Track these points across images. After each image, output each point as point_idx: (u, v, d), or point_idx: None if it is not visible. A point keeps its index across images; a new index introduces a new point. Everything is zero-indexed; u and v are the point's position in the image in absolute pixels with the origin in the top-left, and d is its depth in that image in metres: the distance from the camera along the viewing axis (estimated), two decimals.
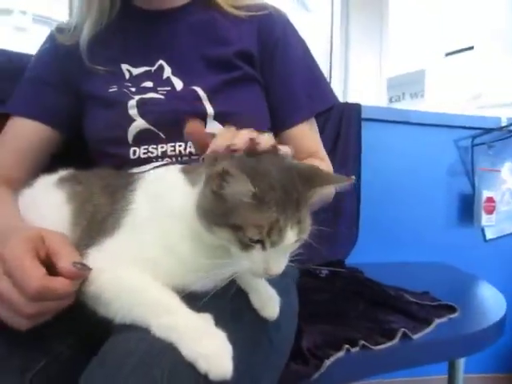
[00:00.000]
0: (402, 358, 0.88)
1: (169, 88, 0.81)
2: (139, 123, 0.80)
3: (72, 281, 0.49)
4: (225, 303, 0.54)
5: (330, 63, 2.59)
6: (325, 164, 0.93)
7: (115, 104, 0.80)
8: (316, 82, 0.93)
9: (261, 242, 0.46)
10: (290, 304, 0.76)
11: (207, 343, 0.44)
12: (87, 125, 0.85)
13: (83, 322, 0.53)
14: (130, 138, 0.80)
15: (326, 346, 0.84)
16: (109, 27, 0.86)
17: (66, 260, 0.49)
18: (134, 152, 0.80)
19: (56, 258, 0.50)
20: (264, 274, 0.48)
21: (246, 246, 0.46)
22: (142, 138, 0.80)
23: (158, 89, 0.81)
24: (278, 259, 0.48)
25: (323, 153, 0.95)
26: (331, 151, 1.44)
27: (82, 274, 0.49)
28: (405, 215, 1.64)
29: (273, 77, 0.88)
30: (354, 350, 0.84)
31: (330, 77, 2.55)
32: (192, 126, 0.56)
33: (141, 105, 0.80)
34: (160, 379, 0.41)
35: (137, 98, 0.80)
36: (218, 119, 0.81)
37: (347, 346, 0.83)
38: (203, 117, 0.80)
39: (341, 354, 0.82)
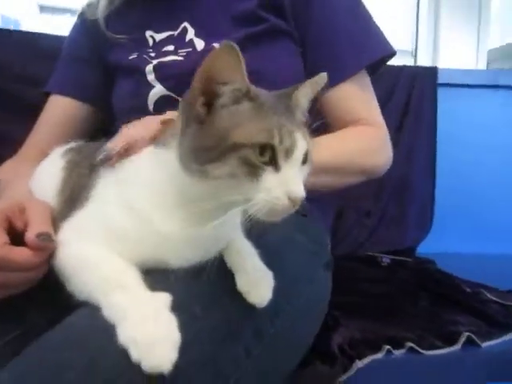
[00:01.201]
0: (462, 369, 0.69)
1: (190, 49, 0.75)
2: (158, 90, 0.75)
3: (35, 252, 0.44)
4: (202, 283, 0.45)
5: (417, 35, 2.30)
6: (376, 131, 0.78)
7: (134, 71, 0.77)
8: (363, 31, 0.78)
9: (272, 161, 0.39)
10: (313, 293, 0.63)
11: (148, 328, 0.36)
12: (113, 96, 0.83)
13: (62, 294, 0.49)
14: (151, 106, 0.76)
15: (362, 345, 0.70)
16: None
17: (34, 230, 0.45)
18: None
19: (28, 228, 0.46)
20: (287, 201, 0.39)
21: (256, 170, 0.38)
22: (163, 105, 0.75)
23: (179, 51, 0.76)
24: (296, 178, 0.40)
25: (377, 118, 0.79)
26: (400, 122, 1.25)
27: (43, 245, 0.45)
28: (491, 198, 1.35)
29: (309, 28, 0.76)
30: (398, 352, 0.68)
31: (416, 54, 2.27)
32: None
33: (158, 69, 0.75)
34: (81, 361, 0.35)
35: (155, 62, 0.75)
36: None
37: (389, 346, 0.68)
38: None
39: (379, 355, 0.67)
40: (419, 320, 0.81)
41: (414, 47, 2.37)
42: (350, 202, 1.25)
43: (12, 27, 1.41)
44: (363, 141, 0.76)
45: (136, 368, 0.34)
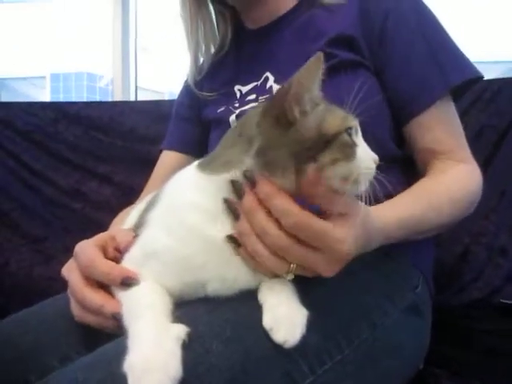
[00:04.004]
0: None
1: (268, 95, 0.80)
2: None
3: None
4: (228, 317, 0.46)
5: None
6: (472, 172, 0.72)
7: (221, 122, 0.84)
8: (446, 54, 0.73)
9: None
10: (380, 342, 0.55)
11: (148, 357, 0.38)
12: (208, 146, 0.92)
13: None
14: None
15: None
16: (225, 55, 0.92)
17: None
18: None
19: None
20: (374, 165, 0.48)
21: (352, 149, 0.45)
22: None
23: (259, 98, 0.81)
24: (367, 146, 0.49)
25: (466, 153, 0.73)
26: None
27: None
28: None
29: (388, 54, 0.74)
30: None
31: None
32: None
33: (239, 117, 0.81)
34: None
35: (237, 111, 0.82)
36: None
37: None
38: None
39: None
40: None
41: None
42: (476, 237, 1.07)
43: None
44: (465, 193, 0.70)
45: None
